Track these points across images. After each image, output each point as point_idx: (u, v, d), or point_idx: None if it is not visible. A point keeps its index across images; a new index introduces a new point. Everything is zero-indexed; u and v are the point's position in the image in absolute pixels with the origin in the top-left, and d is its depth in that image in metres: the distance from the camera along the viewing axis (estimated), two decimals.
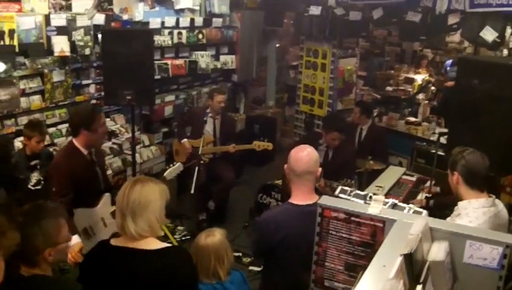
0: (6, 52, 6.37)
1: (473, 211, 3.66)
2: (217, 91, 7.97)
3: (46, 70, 6.92)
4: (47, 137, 6.63)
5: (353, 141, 8.09)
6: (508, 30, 7.04)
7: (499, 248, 2.33)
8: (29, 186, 5.98)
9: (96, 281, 2.98)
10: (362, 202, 3.25)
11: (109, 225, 4.95)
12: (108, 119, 7.94)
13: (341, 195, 3.40)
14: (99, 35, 7.20)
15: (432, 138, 8.73)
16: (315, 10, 9.36)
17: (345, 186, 3.92)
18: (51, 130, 7.16)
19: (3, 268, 2.17)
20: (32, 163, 6.03)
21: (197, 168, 6.86)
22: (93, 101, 7.66)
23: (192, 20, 9.11)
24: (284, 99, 12.45)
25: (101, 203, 5.01)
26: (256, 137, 8.38)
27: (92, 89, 7.75)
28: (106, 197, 5.06)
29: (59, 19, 6.82)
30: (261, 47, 11.17)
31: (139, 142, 8.31)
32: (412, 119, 10.09)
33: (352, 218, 2.77)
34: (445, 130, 7.06)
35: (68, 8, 6.99)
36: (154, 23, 8.34)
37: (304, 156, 3.57)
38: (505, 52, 7.51)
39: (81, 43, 7.16)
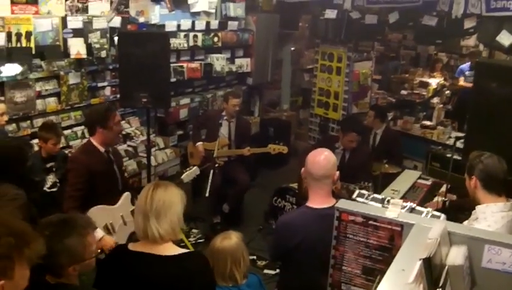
0: (23, 54, 6.39)
1: (491, 215, 3.63)
2: (232, 95, 8.00)
3: (62, 73, 6.95)
4: (62, 139, 6.65)
5: (368, 144, 8.07)
6: None
7: None
8: (45, 188, 5.99)
9: (114, 286, 2.98)
10: (380, 205, 3.23)
11: (129, 224, 5.01)
12: (123, 122, 7.89)
13: (358, 199, 3.39)
14: (115, 38, 7.23)
15: (447, 142, 8.69)
16: (331, 13, 9.32)
17: (362, 189, 3.92)
18: (67, 132, 7.17)
19: (27, 276, 2.17)
20: (48, 165, 6.04)
21: (211, 171, 6.85)
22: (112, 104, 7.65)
23: (207, 23, 9.11)
24: (299, 103, 12.43)
25: (120, 202, 5.08)
26: (270, 140, 8.35)
27: (107, 91, 7.78)
28: (126, 196, 5.14)
29: (75, 21, 6.86)
30: (276, 50, 11.13)
31: (154, 144, 8.31)
32: (427, 123, 10.05)
33: (370, 222, 2.76)
34: (462, 135, 7.02)
35: (84, 10, 7.01)
36: (170, 26, 8.35)
37: (322, 159, 3.58)
38: None
39: (97, 46, 7.18)
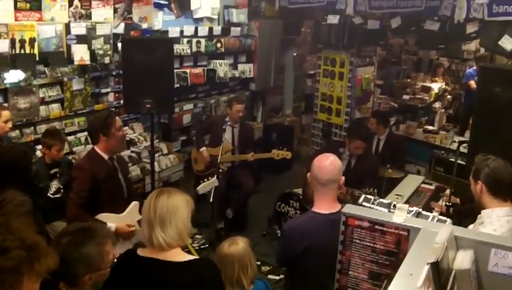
0: (27, 61, 6.41)
1: (497, 219, 3.63)
2: (236, 100, 8.03)
3: (65, 79, 6.97)
4: (66, 145, 6.65)
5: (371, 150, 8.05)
6: None
7: None
8: (49, 194, 6.01)
9: None
10: (386, 210, 3.24)
11: (135, 233, 4.97)
12: (126, 127, 7.93)
13: (364, 203, 3.40)
14: (119, 44, 7.26)
15: (450, 147, 8.67)
16: (333, 19, 9.31)
17: (368, 194, 3.92)
18: (70, 138, 7.19)
19: None
20: (52, 171, 6.06)
21: (215, 176, 6.87)
22: (112, 110, 7.66)
23: (210, 29, 9.14)
24: (301, 108, 12.44)
25: (127, 210, 5.04)
26: (273, 145, 8.36)
27: (110, 97, 7.80)
28: (134, 205, 5.09)
29: (79, 28, 6.88)
30: (279, 56, 11.15)
31: (158, 150, 8.32)
32: (429, 127, 10.05)
33: (377, 226, 2.75)
34: (466, 139, 7.02)
35: (88, 16, 7.04)
36: (173, 31, 8.37)
37: (328, 164, 3.59)
38: None
39: (101, 52, 7.20)
